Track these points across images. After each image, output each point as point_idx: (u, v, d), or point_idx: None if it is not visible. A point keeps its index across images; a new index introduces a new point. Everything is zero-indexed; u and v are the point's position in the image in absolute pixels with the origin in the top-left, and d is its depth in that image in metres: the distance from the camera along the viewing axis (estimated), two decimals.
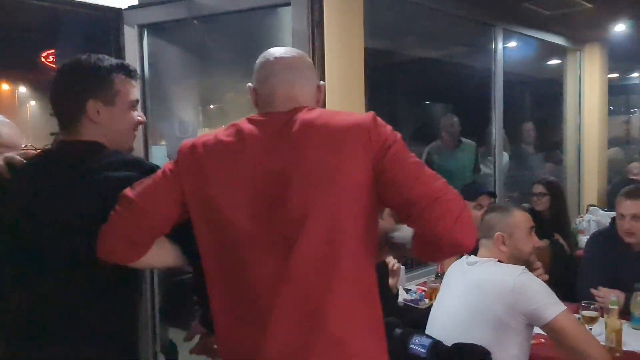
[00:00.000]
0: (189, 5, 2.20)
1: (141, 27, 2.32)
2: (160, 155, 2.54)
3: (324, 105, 1.77)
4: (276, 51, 1.42)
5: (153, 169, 1.36)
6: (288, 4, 2.03)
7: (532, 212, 4.04)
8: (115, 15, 2.35)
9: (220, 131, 1.33)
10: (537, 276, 2.14)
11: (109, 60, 1.44)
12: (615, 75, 8.55)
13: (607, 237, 3.08)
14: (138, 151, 2.38)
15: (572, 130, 6.21)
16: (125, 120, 1.47)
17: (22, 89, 12.51)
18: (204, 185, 1.28)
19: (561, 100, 6.29)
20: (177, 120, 2.44)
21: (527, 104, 7.80)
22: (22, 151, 1.48)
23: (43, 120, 13.18)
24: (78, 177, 1.34)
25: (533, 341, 2.11)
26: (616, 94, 8.90)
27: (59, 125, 1.45)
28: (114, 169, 1.33)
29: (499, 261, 2.13)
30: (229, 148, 1.29)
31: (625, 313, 2.59)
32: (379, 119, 1.28)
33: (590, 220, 5.02)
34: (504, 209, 2.28)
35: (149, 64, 2.35)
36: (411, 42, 6.18)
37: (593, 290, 2.72)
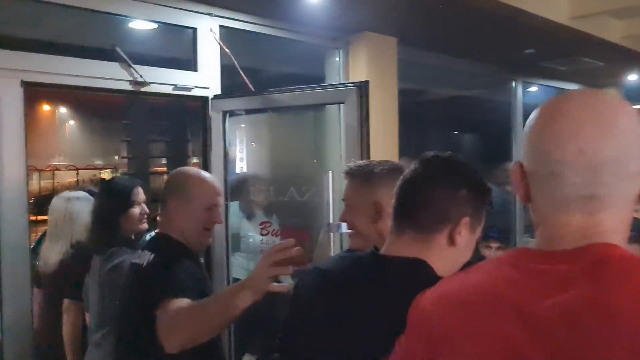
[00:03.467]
0: (263, 99, 2.84)
1: (224, 113, 2.96)
2: (234, 210, 3.19)
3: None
4: (565, 100, 0.82)
5: None
6: (342, 102, 2.64)
7: None
8: (204, 102, 3.02)
9: (465, 280, 0.88)
10: None
11: None
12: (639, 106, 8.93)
13: None
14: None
15: None
16: (471, 249, 1.18)
17: (62, 109, 13.49)
18: None
19: None
20: (250, 184, 3.08)
21: None
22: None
23: (80, 139, 14.17)
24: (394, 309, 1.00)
25: None
26: None
27: (398, 225, 1.14)
28: None
29: None
30: (475, 316, 0.81)
31: None
32: None
33: None
34: None
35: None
36: (440, 84, 6.74)
37: None
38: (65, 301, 2.54)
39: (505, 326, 0.77)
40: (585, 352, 0.69)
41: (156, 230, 1.94)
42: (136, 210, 2.41)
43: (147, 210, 2.47)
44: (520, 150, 0.89)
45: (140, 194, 2.43)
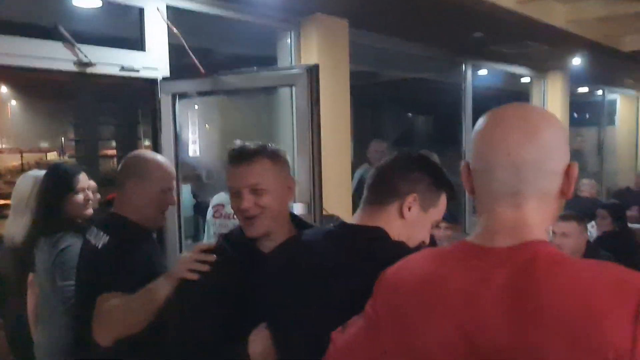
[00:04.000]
0: (214, 81, 2.81)
1: (174, 95, 2.92)
2: (186, 191, 3.16)
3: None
4: (501, 112, 0.98)
5: None
6: (293, 85, 2.65)
7: None
8: (153, 84, 2.96)
9: (425, 262, 1.03)
10: None
11: None
12: (586, 89, 9.22)
13: None
14: None
15: None
16: (425, 228, 1.40)
17: (3, 89, 12.93)
18: (406, 338, 1.00)
19: None
20: (205, 169, 3.05)
21: None
22: None
23: (24, 120, 13.59)
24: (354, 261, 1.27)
25: None
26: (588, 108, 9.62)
27: (369, 198, 1.37)
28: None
29: None
30: (434, 293, 0.96)
31: None
32: None
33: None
34: None
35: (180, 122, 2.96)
36: (392, 66, 6.81)
37: None
38: (30, 275, 2.54)
39: (458, 314, 0.92)
40: (522, 338, 0.84)
41: (111, 211, 1.98)
42: (79, 196, 2.40)
43: (91, 196, 2.46)
44: (469, 146, 1.02)
45: (83, 180, 2.42)
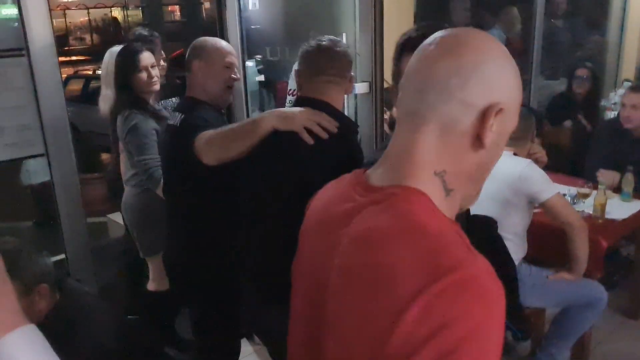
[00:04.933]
0: None
1: None
2: (251, 67, 3.24)
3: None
4: (441, 33, 0.83)
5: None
6: None
7: (564, 94, 4.52)
8: None
9: (332, 187, 0.96)
10: (538, 158, 2.76)
11: None
12: None
13: (612, 124, 3.67)
14: None
15: (617, 2, 6.28)
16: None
17: None
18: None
19: None
20: (268, 45, 3.08)
21: None
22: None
23: None
24: None
25: (535, 211, 2.73)
26: None
27: None
28: None
29: (514, 154, 2.70)
30: (318, 224, 0.92)
31: (619, 189, 3.22)
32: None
33: (621, 95, 5.37)
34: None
35: None
36: None
37: (597, 173, 3.32)
38: (120, 144, 2.82)
39: (318, 256, 0.88)
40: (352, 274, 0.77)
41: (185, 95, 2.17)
42: (142, 75, 2.60)
43: (154, 74, 2.64)
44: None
45: (145, 59, 2.61)
